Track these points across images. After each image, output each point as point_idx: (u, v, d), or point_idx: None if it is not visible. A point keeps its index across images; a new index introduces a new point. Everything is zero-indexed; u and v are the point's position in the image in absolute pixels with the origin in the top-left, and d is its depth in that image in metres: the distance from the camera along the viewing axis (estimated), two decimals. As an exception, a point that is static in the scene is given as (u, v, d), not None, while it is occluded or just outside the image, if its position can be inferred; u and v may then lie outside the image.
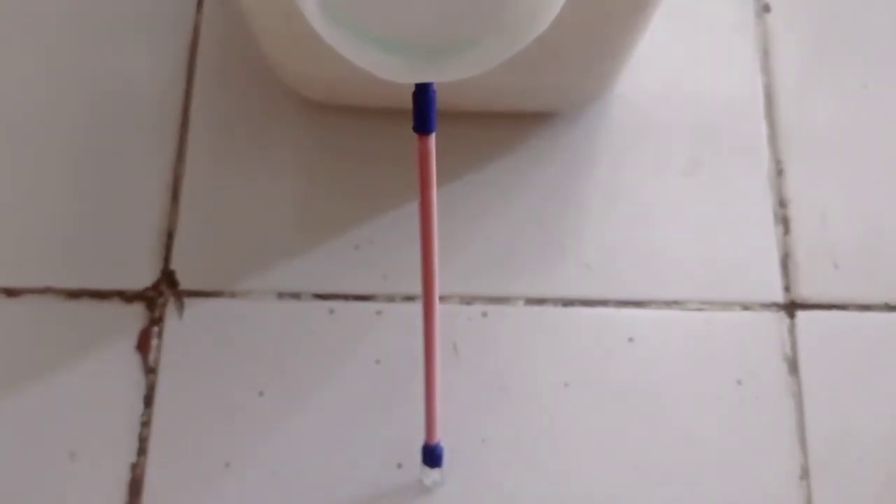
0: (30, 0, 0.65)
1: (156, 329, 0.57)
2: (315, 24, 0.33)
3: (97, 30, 0.65)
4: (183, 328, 0.57)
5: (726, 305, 0.58)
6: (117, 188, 0.61)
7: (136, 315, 0.58)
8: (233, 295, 0.58)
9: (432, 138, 0.37)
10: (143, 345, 0.57)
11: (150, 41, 0.64)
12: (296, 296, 0.58)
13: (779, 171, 0.61)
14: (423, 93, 0.37)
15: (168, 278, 0.59)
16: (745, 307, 0.58)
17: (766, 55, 0.65)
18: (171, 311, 0.58)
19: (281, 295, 0.58)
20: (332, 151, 0.61)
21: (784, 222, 0.60)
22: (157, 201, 0.60)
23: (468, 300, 0.58)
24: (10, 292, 0.58)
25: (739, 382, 0.57)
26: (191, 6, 0.65)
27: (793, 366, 0.57)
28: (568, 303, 0.58)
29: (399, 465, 0.55)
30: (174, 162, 0.61)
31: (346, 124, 0.61)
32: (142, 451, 0.55)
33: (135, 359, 0.57)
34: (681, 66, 0.64)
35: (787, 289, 0.59)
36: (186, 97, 0.63)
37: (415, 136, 0.38)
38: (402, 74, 0.34)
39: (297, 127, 0.62)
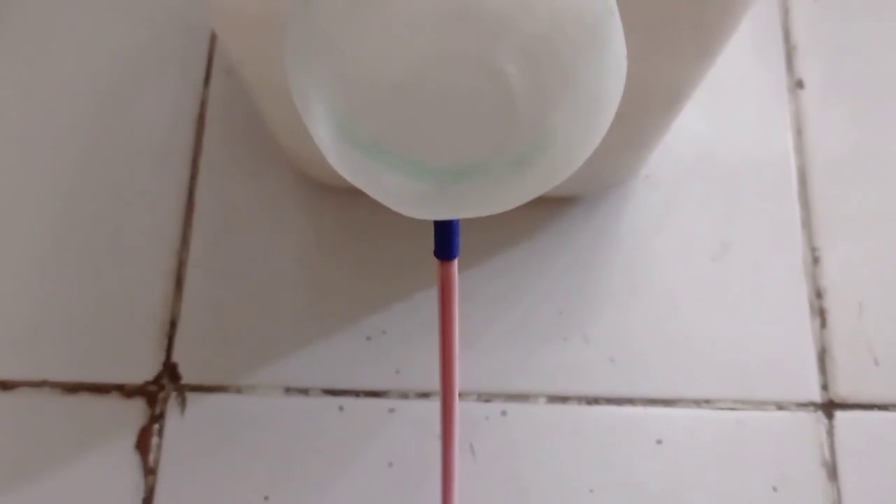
0: (30, 76, 0.63)
1: (156, 427, 0.54)
2: (330, 155, 0.30)
3: (97, 102, 0.62)
4: (184, 426, 0.54)
5: (760, 405, 0.55)
6: (117, 274, 0.58)
7: (135, 411, 0.55)
8: (238, 390, 0.55)
9: (455, 263, 0.35)
10: (142, 444, 0.54)
11: (153, 117, 0.62)
12: (304, 391, 0.55)
13: (814, 259, 0.58)
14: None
15: (170, 371, 0.56)
16: (780, 406, 0.55)
17: (799, 134, 0.62)
18: (172, 407, 0.55)
19: (288, 390, 0.55)
20: (342, 236, 0.58)
21: (821, 314, 0.57)
22: (160, 288, 0.58)
23: (486, 397, 0.55)
24: (5, 385, 0.55)
25: (775, 489, 0.53)
26: (198, 80, 0.63)
27: (832, 471, 0.54)
28: (592, 401, 0.55)
29: (412, 579, 0.52)
30: (178, 246, 0.59)
31: (358, 208, 0.59)
32: (139, 559, 0.52)
33: (134, 459, 0.54)
34: (710, 146, 0.61)
35: (824, 387, 0.55)
36: (192, 177, 0.60)
37: (435, 259, 0.35)
38: (433, 206, 0.30)
39: (306, 210, 0.59)
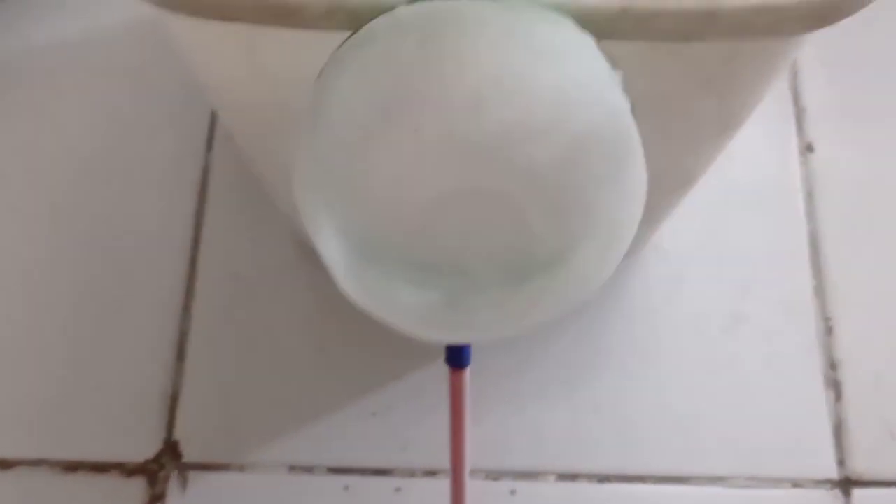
0: (33, 142, 0.62)
1: (157, 507, 0.53)
2: (340, 274, 0.29)
3: (98, 170, 0.61)
4: (186, 506, 0.53)
5: (775, 482, 0.54)
6: (119, 346, 0.57)
7: (136, 490, 0.53)
8: (240, 468, 0.54)
9: (466, 372, 0.34)
10: (142, 525, 0.53)
11: (156, 183, 0.61)
12: (308, 469, 0.54)
13: (828, 329, 0.57)
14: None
15: (171, 449, 0.54)
16: (796, 484, 0.54)
17: (810, 199, 0.61)
18: (173, 487, 0.53)
19: (293, 468, 0.54)
20: (346, 309, 0.57)
21: (835, 386, 0.56)
22: (161, 360, 0.56)
23: (495, 476, 0.54)
24: (3, 464, 0.54)
25: (792, 571, 0.52)
26: (200, 146, 0.62)
27: (850, 552, 0.52)
28: (603, 478, 0.54)
29: None
30: (180, 317, 0.57)
31: (364, 280, 0.58)
32: None
33: (134, 541, 0.53)
34: (720, 212, 0.60)
35: (840, 463, 0.54)
36: (194, 245, 0.59)
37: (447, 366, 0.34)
38: (445, 324, 0.29)
39: (309, 280, 0.58)
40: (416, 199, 0.27)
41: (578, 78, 0.26)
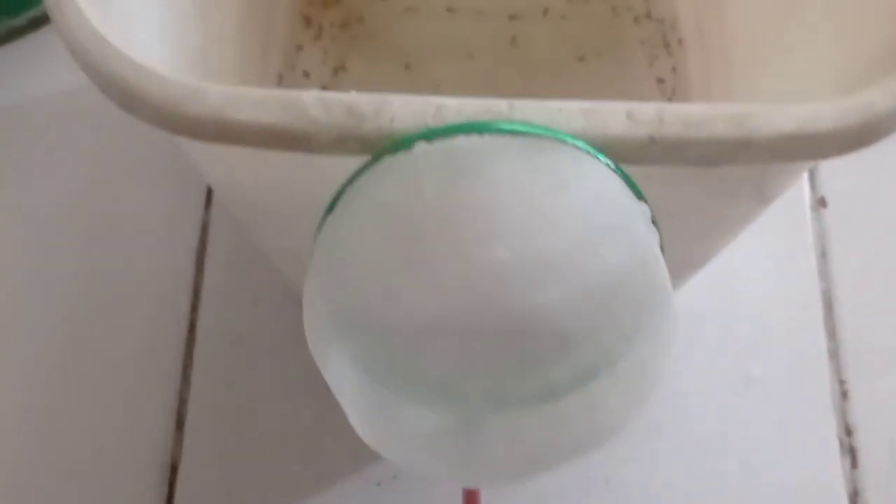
0: (28, 195, 0.61)
1: (156, 585, 0.52)
2: (347, 400, 0.28)
3: (92, 227, 0.60)
4: (186, 583, 0.52)
5: (791, 555, 0.53)
6: (116, 415, 0.55)
7: (134, 567, 0.52)
8: (242, 543, 0.53)
9: (480, 492, 0.32)
10: None
11: (152, 242, 0.59)
12: (312, 544, 0.53)
13: (843, 393, 0.56)
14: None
15: (171, 523, 0.53)
16: (812, 557, 0.52)
17: (823, 257, 0.59)
18: (173, 563, 0.52)
19: (295, 543, 0.53)
20: (352, 375, 0.56)
21: (851, 453, 0.55)
22: (160, 428, 0.55)
23: (503, 551, 0.53)
24: (-4, 539, 0.53)
25: None
26: (199, 203, 0.60)
27: None
28: (614, 552, 0.53)
29: None
30: (179, 383, 0.56)
31: (368, 346, 0.56)
32: None
33: None
34: (730, 272, 0.59)
35: (857, 535, 0.53)
36: (193, 308, 0.58)
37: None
38: (456, 458, 0.28)
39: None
40: (427, 333, 0.26)
41: (602, 213, 0.25)
